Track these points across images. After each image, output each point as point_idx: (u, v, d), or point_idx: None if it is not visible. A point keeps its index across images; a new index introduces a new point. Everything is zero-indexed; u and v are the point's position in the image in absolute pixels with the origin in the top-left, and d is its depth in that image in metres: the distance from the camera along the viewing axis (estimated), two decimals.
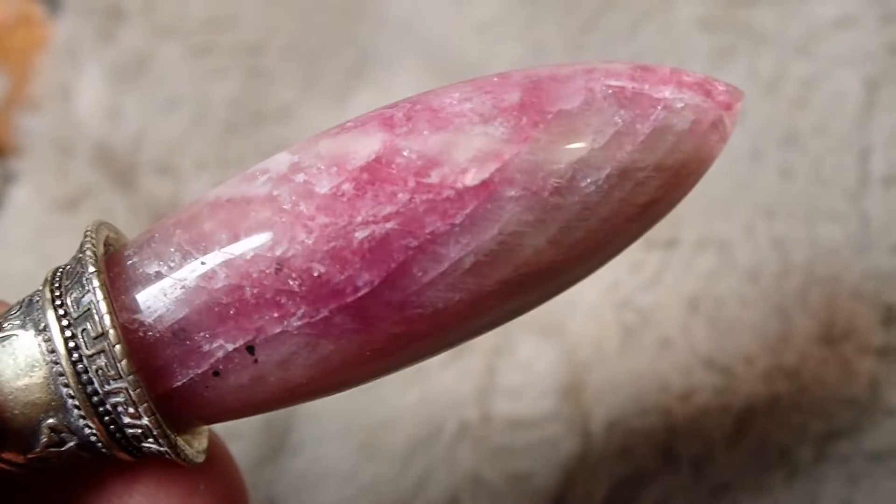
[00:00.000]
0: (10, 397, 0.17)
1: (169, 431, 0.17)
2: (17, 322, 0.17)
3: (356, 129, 0.17)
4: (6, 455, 0.17)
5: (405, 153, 0.16)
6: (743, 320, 0.26)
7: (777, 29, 0.29)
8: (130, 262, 0.17)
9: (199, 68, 0.32)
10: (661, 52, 0.30)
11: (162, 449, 0.17)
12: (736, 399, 0.26)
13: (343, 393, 0.28)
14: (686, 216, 0.28)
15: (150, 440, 0.17)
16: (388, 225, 0.16)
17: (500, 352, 0.28)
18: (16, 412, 0.17)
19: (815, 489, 0.25)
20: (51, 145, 0.31)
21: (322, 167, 0.16)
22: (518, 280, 0.17)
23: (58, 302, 0.17)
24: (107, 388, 0.16)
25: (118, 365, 0.16)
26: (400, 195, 0.16)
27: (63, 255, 0.31)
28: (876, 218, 0.27)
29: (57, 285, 0.17)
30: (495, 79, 0.17)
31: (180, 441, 0.17)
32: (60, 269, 0.18)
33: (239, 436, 0.27)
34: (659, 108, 0.17)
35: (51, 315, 0.17)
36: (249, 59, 0.32)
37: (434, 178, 0.16)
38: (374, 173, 0.16)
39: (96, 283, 0.16)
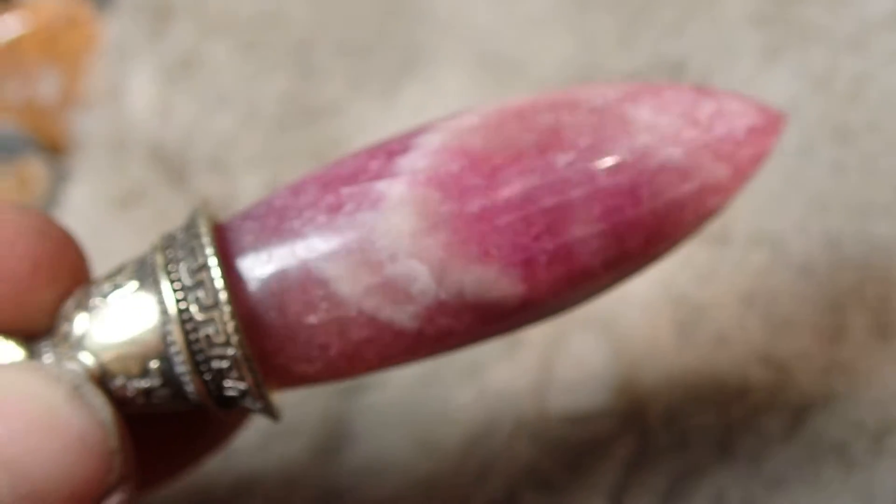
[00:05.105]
0: (121, 354, 0.18)
1: (266, 393, 0.18)
2: (132, 284, 0.18)
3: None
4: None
5: None
6: (798, 316, 0.27)
7: (829, 25, 0.29)
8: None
9: (249, 65, 0.32)
10: (711, 48, 0.30)
11: (255, 407, 0.19)
12: (792, 394, 0.26)
13: (399, 388, 0.28)
14: (738, 212, 0.28)
15: (246, 399, 0.18)
16: None
17: (554, 347, 0.28)
18: (121, 367, 0.18)
19: (873, 484, 0.25)
20: (104, 144, 0.32)
21: None
22: None
23: (171, 268, 0.18)
24: (213, 353, 0.18)
25: (228, 334, 0.18)
26: None
27: (120, 252, 0.32)
28: None
29: (169, 253, 0.18)
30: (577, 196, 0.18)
31: (273, 399, 0.19)
32: (169, 237, 0.19)
33: (298, 431, 0.28)
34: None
35: (164, 282, 0.18)
36: (299, 56, 0.32)
37: None
38: None
39: (211, 257, 0.18)
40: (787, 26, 0.29)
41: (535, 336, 0.28)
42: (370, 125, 0.32)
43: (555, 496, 0.26)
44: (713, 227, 0.28)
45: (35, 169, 0.32)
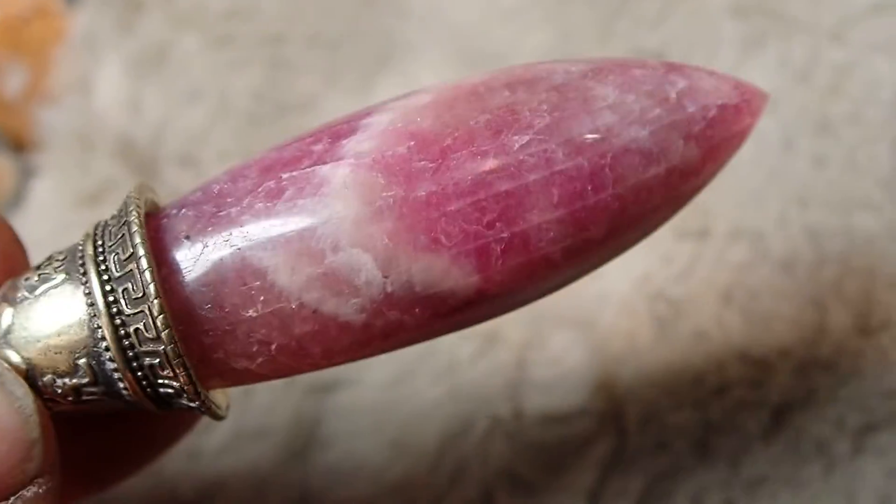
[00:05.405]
0: (48, 349, 0.17)
1: (203, 390, 0.18)
2: (60, 276, 0.17)
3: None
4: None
5: None
6: (778, 312, 0.26)
7: (810, 16, 0.28)
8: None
9: (221, 59, 0.32)
10: (690, 40, 0.29)
11: (193, 405, 0.18)
12: (772, 392, 0.26)
13: (372, 387, 0.28)
14: (717, 207, 0.28)
15: (183, 398, 0.17)
16: None
17: (530, 346, 0.27)
18: (48, 364, 0.17)
19: (854, 482, 0.25)
20: (71, 139, 0.31)
21: None
22: None
23: (100, 258, 0.17)
24: (144, 348, 0.17)
25: (157, 328, 0.17)
26: None
27: None
28: None
29: (100, 243, 0.17)
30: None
31: (211, 398, 0.18)
32: (101, 226, 0.18)
33: (267, 432, 0.27)
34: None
35: (93, 273, 0.17)
36: (271, 50, 0.32)
37: None
38: None
39: (140, 247, 0.17)
40: (768, 18, 0.29)
41: (511, 334, 0.28)
42: None
43: (531, 497, 0.26)
44: (691, 222, 0.28)
45: (0, 164, 0.31)
